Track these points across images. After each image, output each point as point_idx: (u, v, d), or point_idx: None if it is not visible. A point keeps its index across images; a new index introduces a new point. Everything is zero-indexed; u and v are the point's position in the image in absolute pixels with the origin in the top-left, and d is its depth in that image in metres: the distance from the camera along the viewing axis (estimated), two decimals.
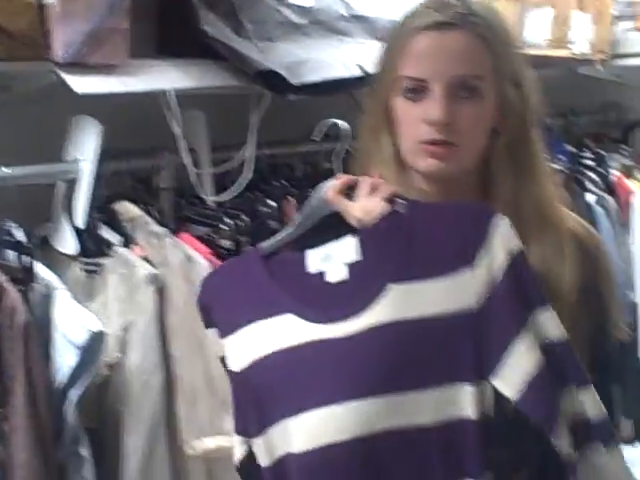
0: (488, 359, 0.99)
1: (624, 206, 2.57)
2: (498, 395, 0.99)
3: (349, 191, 1.13)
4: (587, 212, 2.36)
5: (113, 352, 1.54)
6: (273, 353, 1.07)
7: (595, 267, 1.17)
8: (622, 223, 2.56)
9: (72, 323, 1.45)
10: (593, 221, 2.38)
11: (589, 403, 1.02)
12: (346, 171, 1.21)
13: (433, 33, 1.08)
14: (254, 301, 1.11)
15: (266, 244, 1.16)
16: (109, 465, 1.55)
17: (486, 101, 1.10)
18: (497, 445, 1.00)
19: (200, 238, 1.65)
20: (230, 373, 1.13)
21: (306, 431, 1.03)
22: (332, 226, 1.12)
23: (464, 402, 0.99)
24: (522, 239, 1.03)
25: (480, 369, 0.99)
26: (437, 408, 1.00)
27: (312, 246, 1.11)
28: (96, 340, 1.44)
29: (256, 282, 1.12)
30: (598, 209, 2.44)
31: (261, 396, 1.08)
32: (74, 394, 1.45)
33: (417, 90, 1.10)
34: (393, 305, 1.02)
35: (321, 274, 1.09)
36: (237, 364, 1.11)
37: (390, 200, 1.08)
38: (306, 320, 1.07)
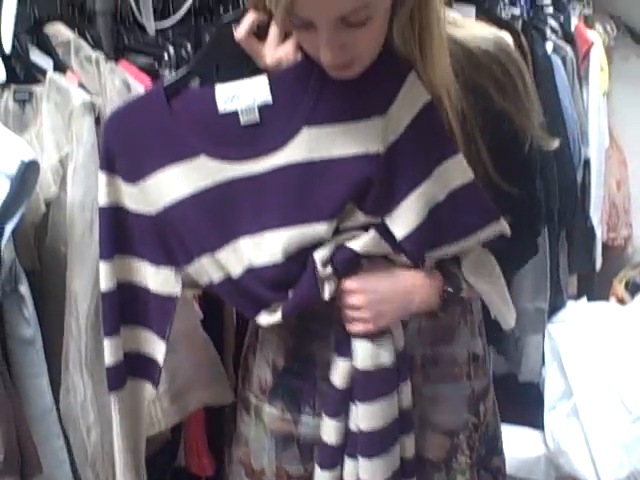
0: (388, 201, 1.07)
1: (582, 58, 2.52)
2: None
3: (259, 29, 1.08)
4: (545, 61, 2.30)
5: (50, 187, 1.45)
6: (192, 195, 1.09)
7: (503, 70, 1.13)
8: (579, 75, 2.51)
9: (2, 152, 1.35)
10: (550, 70, 2.32)
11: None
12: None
13: None
14: (163, 145, 1.10)
15: (169, 81, 1.13)
16: (51, 308, 1.50)
17: (379, 10, 1.00)
18: None
19: (141, 68, 1.54)
20: (138, 216, 1.13)
21: (235, 257, 1.09)
22: (239, 64, 1.10)
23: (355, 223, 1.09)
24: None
25: (378, 208, 1.08)
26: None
27: (219, 81, 1.08)
28: (29, 170, 1.34)
29: (162, 124, 1.10)
30: (555, 58, 2.37)
31: (185, 232, 1.11)
32: (8, 229, 1.37)
33: (305, 25, 1.00)
34: (305, 145, 1.07)
35: (232, 114, 1.08)
36: (151, 207, 1.12)
37: (301, 47, 1.06)
38: (220, 160, 1.08)
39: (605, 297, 2.74)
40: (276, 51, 1.07)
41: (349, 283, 1.11)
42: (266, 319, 1.12)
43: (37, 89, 1.46)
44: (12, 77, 1.47)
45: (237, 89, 1.07)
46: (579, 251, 2.61)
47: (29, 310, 1.43)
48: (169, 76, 1.53)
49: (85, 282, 1.46)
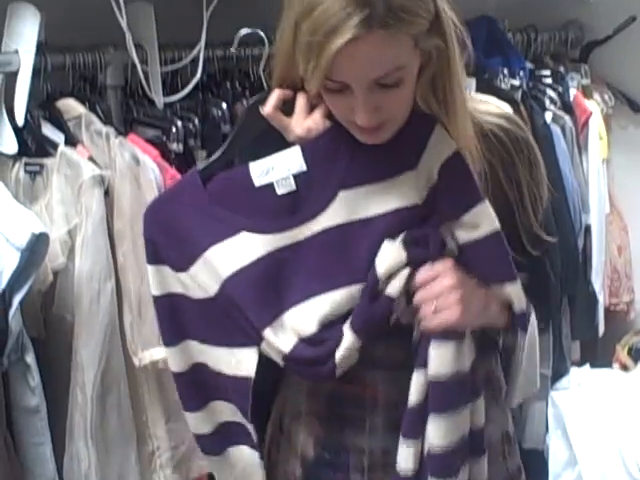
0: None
1: (581, 127, 2.56)
2: None
3: (285, 105, 1.10)
4: (544, 130, 2.33)
5: (58, 257, 1.47)
6: (239, 270, 1.09)
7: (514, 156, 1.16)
8: (579, 144, 2.54)
9: (13, 225, 1.38)
10: (549, 139, 2.36)
11: (514, 296, 1.10)
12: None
13: (351, 44, 0.97)
14: (203, 228, 1.11)
15: (202, 166, 1.15)
16: (56, 375, 1.51)
17: (410, 74, 1.04)
18: None
19: (149, 140, 1.58)
20: (194, 301, 1.12)
21: (289, 327, 1.08)
22: (270, 141, 1.11)
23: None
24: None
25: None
26: None
27: (252, 159, 1.10)
28: (39, 242, 1.37)
29: (201, 209, 1.11)
30: (555, 128, 2.41)
31: (240, 309, 1.10)
32: (16, 299, 1.39)
33: (340, 89, 1.03)
34: (343, 208, 1.08)
35: (268, 187, 1.09)
36: (207, 291, 1.11)
37: (330, 115, 1.08)
38: (261, 233, 1.09)
39: (608, 362, 2.72)
40: (305, 121, 1.09)
41: (442, 264, 1.05)
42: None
43: (48, 162, 1.50)
44: (24, 149, 1.51)
45: (271, 163, 1.09)
46: (581, 317, 2.60)
47: (34, 379, 1.44)
48: (176, 149, 1.57)
49: (91, 351, 1.47)
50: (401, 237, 1.06)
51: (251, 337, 1.10)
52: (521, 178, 1.16)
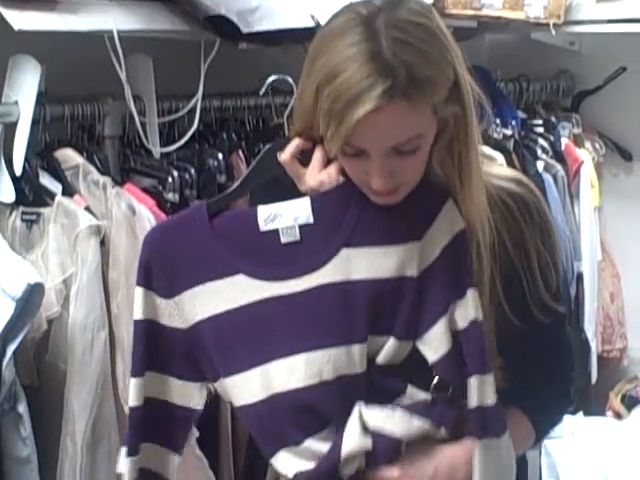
0: (418, 324, 1.08)
1: (573, 175, 2.59)
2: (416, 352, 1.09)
3: (302, 155, 1.11)
4: (536, 179, 2.36)
5: (53, 306, 1.48)
6: (227, 312, 1.09)
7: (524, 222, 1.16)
8: (571, 192, 2.57)
9: (9, 274, 1.38)
10: (542, 188, 2.38)
11: (476, 390, 1.07)
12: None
13: (372, 113, 0.97)
14: (202, 262, 1.10)
15: (213, 200, 1.15)
16: (47, 424, 1.50)
17: (427, 140, 1.05)
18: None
19: (145, 190, 1.59)
20: (171, 330, 1.13)
21: (262, 382, 1.08)
22: (282, 188, 1.12)
23: (385, 350, 1.08)
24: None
25: (409, 330, 1.08)
26: (366, 356, 1.08)
27: (262, 203, 1.11)
28: (34, 292, 1.38)
29: (202, 242, 1.11)
30: (547, 176, 2.44)
31: (214, 349, 1.10)
32: (10, 349, 1.39)
33: (357, 153, 1.03)
34: (343, 266, 1.08)
35: (273, 233, 1.09)
36: (184, 321, 1.11)
37: (344, 171, 1.09)
38: (257, 279, 1.09)
39: (602, 410, 2.72)
40: (319, 174, 1.10)
41: (390, 471, 1.07)
42: (285, 462, 1.08)
43: (45, 211, 1.51)
44: (21, 198, 1.52)
45: (279, 209, 1.09)
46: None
47: (26, 429, 1.43)
48: (172, 199, 1.59)
49: (83, 401, 1.47)
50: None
51: (203, 375, 1.12)
52: (529, 245, 1.14)
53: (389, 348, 1.08)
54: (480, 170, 1.10)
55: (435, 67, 1.00)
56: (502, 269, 1.12)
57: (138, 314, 1.13)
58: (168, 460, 1.17)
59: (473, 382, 1.07)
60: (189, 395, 1.14)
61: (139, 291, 1.13)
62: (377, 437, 1.06)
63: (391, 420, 1.07)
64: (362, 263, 1.08)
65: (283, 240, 1.09)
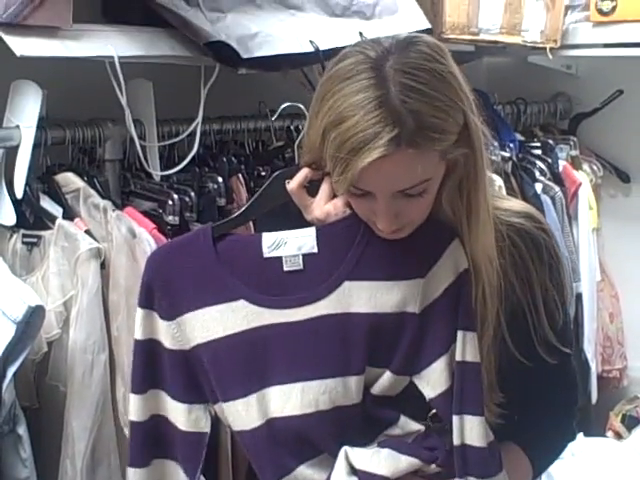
0: (417, 361, 1.08)
1: (571, 197, 2.60)
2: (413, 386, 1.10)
3: (310, 184, 1.11)
4: (535, 201, 2.38)
5: (53, 328, 1.49)
6: (226, 337, 1.09)
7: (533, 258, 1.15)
8: (569, 214, 2.59)
9: (9, 297, 1.39)
10: (540, 210, 2.40)
11: (469, 429, 1.07)
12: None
13: (377, 160, 0.96)
14: (204, 285, 1.11)
15: (217, 224, 1.15)
16: (47, 446, 1.50)
17: (434, 183, 1.04)
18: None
19: (145, 213, 1.60)
20: (172, 352, 1.13)
21: (258, 408, 1.08)
22: (288, 216, 1.13)
23: (380, 382, 1.08)
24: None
25: (407, 365, 1.08)
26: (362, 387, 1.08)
27: (267, 230, 1.11)
28: (34, 315, 1.38)
29: (206, 265, 1.11)
30: (545, 198, 2.46)
31: (212, 373, 1.11)
32: (10, 371, 1.39)
33: (364, 194, 1.03)
34: (345, 299, 1.08)
35: (276, 260, 1.09)
36: (185, 343, 1.12)
37: (350, 205, 1.09)
38: (258, 306, 1.09)
39: (602, 430, 2.72)
40: (325, 205, 1.10)
41: None
42: None
43: (45, 234, 1.52)
44: (22, 221, 1.53)
45: (284, 237, 1.09)
46: None
47: (26, 451, 1.44)
48: (172, 221, 1.60)
49: (82, 423, 1.47)
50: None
51: (206, 397, 1.12)
52: (535, 283, 1.13)
53: (384, 381, 1.08)
54: (489, 212, 1.09)
55: (444, 114, 0.98)
56: (507, 307, 1.11)
57: (139, 334, 1.14)
58: (178, 474, 1.16)
59: (458, 421, 1.06)
60: (195, 420, 1.13)
61: (140, 312, 1.14)
62: (363, 476, 1.06)
63: (377, 460, 1.06)
64: (363, 296, 1.08)
65: (286, 268, 1.09)
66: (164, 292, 1.12)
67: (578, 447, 2.43)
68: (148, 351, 1.14)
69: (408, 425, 1.09)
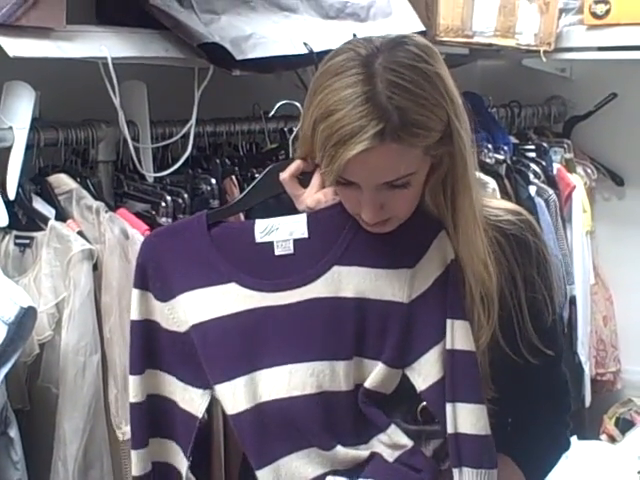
0: (409, 352, 1.09)
1: (565, 200, 2.61)
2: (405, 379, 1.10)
3: (302, 176, 1.14)
4: (529, 203, 2.38)
5: (45, 330, 1.48)
6: (217, 318, 1.11)
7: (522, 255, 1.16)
8: (563, 217, 2.59)
9: (1, 298, 1.38)
10: (534, 212, 2.40)
11: (464, 419, 1.07)
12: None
13: (362, 153, 1.00)
14: (197, 268, 1.13)
15: (213, 211, 1.19)
16: (39, 448, 1.50)
17: (419, 176, 1.06)
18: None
19: (138, 214, 1.60)
20: (169, 333, 1.15)
21: (247, 391, 1.10)
22: (281, 206, 1.16)
23: (373, 375, 1.09)
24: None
25: (399, 357, 1.09)
26: (352, 377, 1.10)
27: (260, 218, 1.14)
28: (26, 316, 1.38)
29: (199, 249, 1.14)
30: (539, 201, 2.46)
31: (202, 355, 1.12)
32: (2, 373, 1.39)
33: (350, 184, 1.06)
34: (334, 283, 1.11)
35: (268, 245, 1.12)
36: (180, 325, 1.14)
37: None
38: (249, 289, 1.11)
39: (596, 433, 2.72)
40: (318, 195, 1.13)
41: None
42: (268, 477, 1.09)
43: (38, 235, 1.51)
44: (14, 223, 1.53)
45: (275, 223, 1.12)
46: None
47: (17, 454, 1.43)
48: (165, 223, 1.60)
49: (75, 425, 1.46)
50: None
51: (205, 381, 1.13)
52: (519, 281, 1.14)
53: (378, 374, 1.09)
54: (475, 212, 1.10)
55: (428, 112, 1.01)
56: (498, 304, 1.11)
57: (135, 314, 1.16)
58: (179, 455, 1.17)
59: (451, 409, 1.07)
60: (190, 400, 1.14)
61: (136, 293, 1.16)
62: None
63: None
64: (352, 281, 1.11)
65: (277, 252, 1.12)
66: (158, 274, 1.15)
67: (572, 450, 2.43)
68: (145, 331, 1.16)
69: (397, 436, 1.10)
